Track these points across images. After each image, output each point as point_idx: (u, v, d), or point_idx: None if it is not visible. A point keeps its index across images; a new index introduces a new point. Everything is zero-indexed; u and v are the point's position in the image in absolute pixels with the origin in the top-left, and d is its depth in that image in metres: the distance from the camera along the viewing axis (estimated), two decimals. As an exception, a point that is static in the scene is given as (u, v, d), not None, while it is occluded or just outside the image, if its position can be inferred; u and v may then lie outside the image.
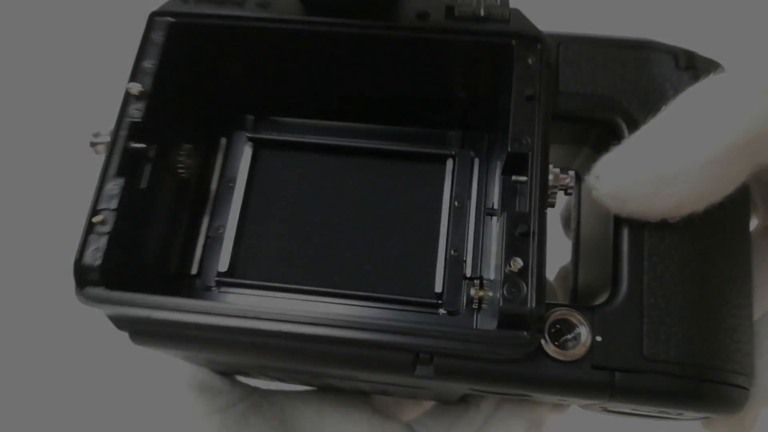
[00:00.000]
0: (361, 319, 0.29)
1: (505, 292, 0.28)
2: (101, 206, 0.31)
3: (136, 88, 0.33)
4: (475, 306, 0.35)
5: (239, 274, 0.37)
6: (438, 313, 0.36)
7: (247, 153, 0.40)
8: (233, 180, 0.39)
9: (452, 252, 0.37)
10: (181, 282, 0.37)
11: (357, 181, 0.39)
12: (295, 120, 0.41)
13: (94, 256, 0.30)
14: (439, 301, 0.36)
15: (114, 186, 0.31)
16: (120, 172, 0.32)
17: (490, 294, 0.34)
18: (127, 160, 0.32)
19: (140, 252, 0.34)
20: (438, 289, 0.36)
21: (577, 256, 0.40)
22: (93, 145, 0.33)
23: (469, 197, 0.38)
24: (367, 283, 0.37)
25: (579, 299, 0.39)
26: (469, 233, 0.37)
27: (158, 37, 0.34)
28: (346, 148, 0.40)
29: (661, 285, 0.30)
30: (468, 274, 0.36)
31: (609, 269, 0.33)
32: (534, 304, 0.28)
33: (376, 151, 0.39)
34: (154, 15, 0.35)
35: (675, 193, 0.29)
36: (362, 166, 0.40)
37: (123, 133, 0.32)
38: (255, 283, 0.37)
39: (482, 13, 0.33)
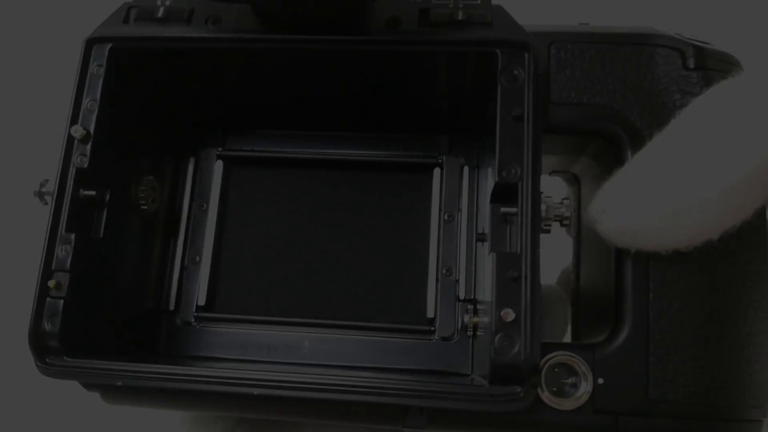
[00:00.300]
0: (349, 381, 0.27)
1: (496, 345, 0.26)
2: (53, 268, 0.28)
3: (78, 132, 0.29)
4: (470, 333, 0.33)
5: (219, 307, 0.35)
6: (431, 340, 0.34)
7: (217, 171, 0.37)
8: (205, 202, 0.37)
9: (444, 271, 0.34)
10: (159, 319, 0.35)
11: (338, 196, 0.36)
12: (269, 131, 0.37)
13: (51, 323, 0.28)
14: (432, 328, 0.34)
15: (65, 245, 0.29)
16: (71, 227, 0.29)
17: (486, 320, 0.31)
18: (77, 212, 0.29)
19: (108, 301, 0.32)
20: (430, 314, 0.34)
21: (578, 260, 0.37)
22: (39, 195, 0.30)
23: (459, 209, 0.35)
24: (355, 310, 0.35)
25: (581, 310, 0.36)
26: (460, 250, 0.35)
27: (98, 68, 0.30)
28: (325, 161, 0.37)
29: (668, 319, 0.28)
30: (461, 296, 0.34)
31: (613, 277, 0.30)
32: (528, 357, 0.26)
33: (356, 162, 0.36)
34: (90, 42, 0.31)
35: (691, 224, 0.26)
36: (343, 179, 0.37)
37: (70, 182, 0.29)
38: (236, 317, 0.35)
39: (461, 16, 0.29)
